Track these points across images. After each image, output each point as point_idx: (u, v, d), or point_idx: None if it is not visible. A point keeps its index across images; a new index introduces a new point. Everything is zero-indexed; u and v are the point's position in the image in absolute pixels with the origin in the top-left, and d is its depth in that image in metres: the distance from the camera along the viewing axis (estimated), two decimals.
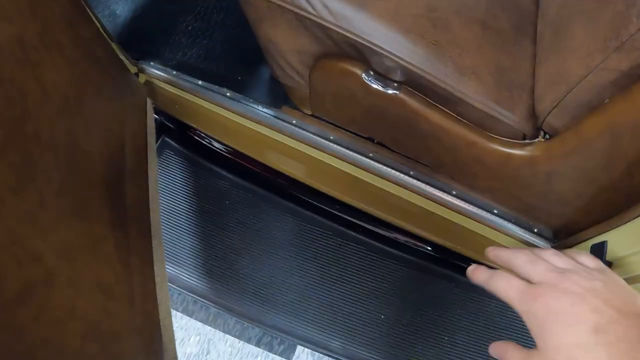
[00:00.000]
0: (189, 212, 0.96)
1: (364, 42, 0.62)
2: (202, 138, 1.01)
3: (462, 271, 0.90)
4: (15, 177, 0.42)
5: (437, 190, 0.79)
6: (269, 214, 0.94)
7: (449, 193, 0.79)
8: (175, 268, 0.91)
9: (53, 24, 0.57)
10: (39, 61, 0.52)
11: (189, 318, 1.04)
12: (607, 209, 0.63)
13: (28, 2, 0.51)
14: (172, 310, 0.78)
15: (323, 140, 0.83)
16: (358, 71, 0.67)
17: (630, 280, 0.60)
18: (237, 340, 1.02)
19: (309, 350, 0.99)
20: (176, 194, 0.98)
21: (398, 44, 0.61)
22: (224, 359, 1.01)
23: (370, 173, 0.83)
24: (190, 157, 1.00)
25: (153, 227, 0.73)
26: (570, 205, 0.68)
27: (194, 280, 0.89)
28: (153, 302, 0.66)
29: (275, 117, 0.85)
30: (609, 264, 0.61)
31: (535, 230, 0.77)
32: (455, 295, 0.89)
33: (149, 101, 0.90)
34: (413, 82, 0.64)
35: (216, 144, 1.00)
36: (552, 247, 0.76)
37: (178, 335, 1.02)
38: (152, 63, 0.95)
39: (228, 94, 0.88)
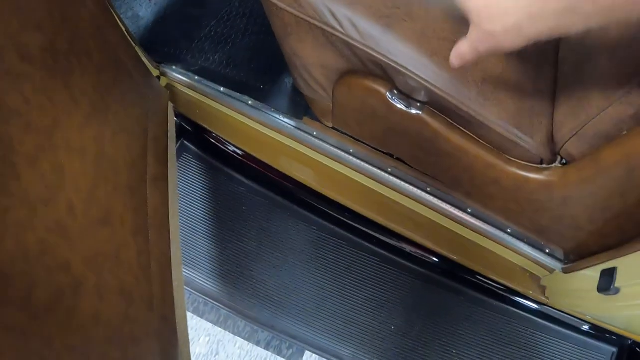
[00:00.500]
0: (205, 215, 0.97)
1: (390, 62, 0.62)
2: (221, 142, 1.02)
3: (471, 285, 0.92)
4: (46, 187, 0.42)
5: (452, 208, 0.80)
6: (285, 221, 0.95)
7: (465, 211, 0.80)
8: (190, 271, 0.92)
9: (82, 30, 0.56)
10: (69, 68, 0.51)
11: (199, 319, 1.06)
12: (619, 236, 0.64)
13: (59, 7, 0.50)
14: None
15: (343, 153, 0.84)
16: (382, 90, 0.68)
17: (637, 308, 0.62)
18: (246, 342, 1.03)
19: (317, 356, 1.01)
20: (193, 197, 0.99)
21: (423, 66, 0.62)
22: None
23: (388, 187, 0.84)
24: (208, 161, 1.01)
25: (172, 232, 0.73)
26: (583, 229, 0.69)
27: (208, 284, 0.91)
28: (171, 306, 0.66)
29: (296, 127, 0.87)
30: (617, 290, 0.63)
31: (547, 250, 0.79)
32: (463, 309, 0.91)
33: (170, 105, 0.91)
34: (436, 104, 0.65)
35: (234, 149, 1.01)
36: (563, 268, 0.77)
37: None
38: (174, 67, 0.95)
39: (250, 102, 0.89)
